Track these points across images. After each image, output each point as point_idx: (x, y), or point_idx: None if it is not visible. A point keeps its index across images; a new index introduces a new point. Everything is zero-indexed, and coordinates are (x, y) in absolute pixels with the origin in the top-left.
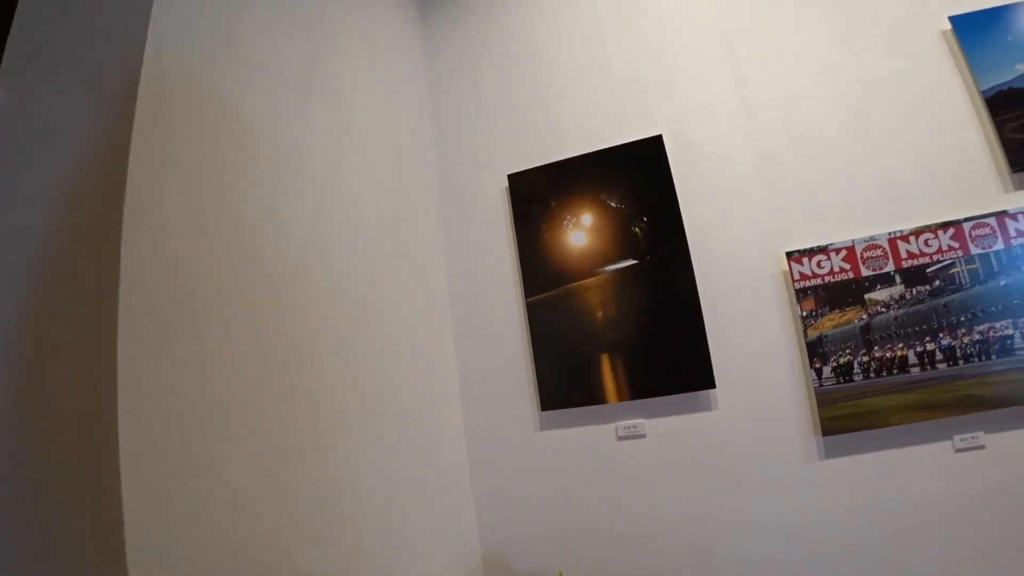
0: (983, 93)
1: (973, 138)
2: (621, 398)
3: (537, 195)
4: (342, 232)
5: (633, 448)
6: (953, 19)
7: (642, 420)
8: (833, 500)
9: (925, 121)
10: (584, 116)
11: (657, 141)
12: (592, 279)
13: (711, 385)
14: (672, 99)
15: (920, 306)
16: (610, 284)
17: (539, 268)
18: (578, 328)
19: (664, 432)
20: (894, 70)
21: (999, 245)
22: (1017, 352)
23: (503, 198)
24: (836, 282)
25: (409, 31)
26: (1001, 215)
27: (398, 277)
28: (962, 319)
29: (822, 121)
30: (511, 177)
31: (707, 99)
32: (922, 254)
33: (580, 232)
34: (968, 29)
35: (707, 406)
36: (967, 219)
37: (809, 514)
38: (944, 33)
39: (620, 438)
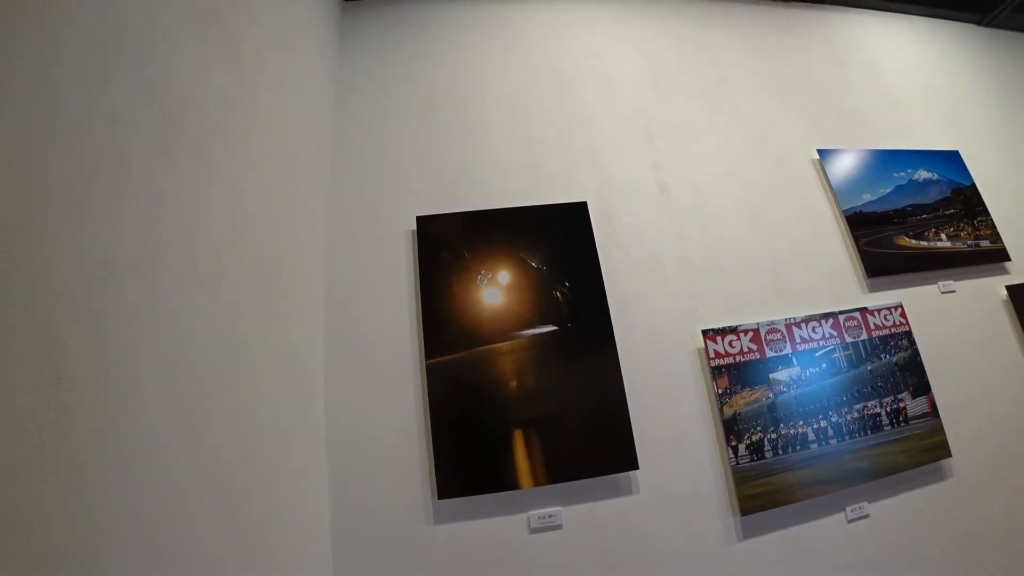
0: (844, 212)
1: (839, 246)
2: (537, 482)
3: (449, 243)
4: (217, 223)
5: (548, 541)
6: (820, 151)
7: (559, 508)
8: None
9: (805, 228)
10: (504, 171)
11: (582, 208)
12: (506, 343)
13: (634, 466)
14: (594, 170)
15: (813, 386)
16: (527, 350)
17: (445, 325)
18: (488, 399)
19: (582, 521)
20: (781, 182)
21: (864, 336)
22: (885, 428)
23: (408, 241)
24: (745, 361)
25: (324, 44)
26: (864, 310)
27: (266, 304)
28: (844, 399)
29: (725, 214)
30: (421, 219)
31: (627, 176)
32: (811, 339)
33: (496, 289)
34: (831, 161)
35: (628, 490)
36: (840, 312)
37: None
38: (814, 161)
39: (533, 530)
